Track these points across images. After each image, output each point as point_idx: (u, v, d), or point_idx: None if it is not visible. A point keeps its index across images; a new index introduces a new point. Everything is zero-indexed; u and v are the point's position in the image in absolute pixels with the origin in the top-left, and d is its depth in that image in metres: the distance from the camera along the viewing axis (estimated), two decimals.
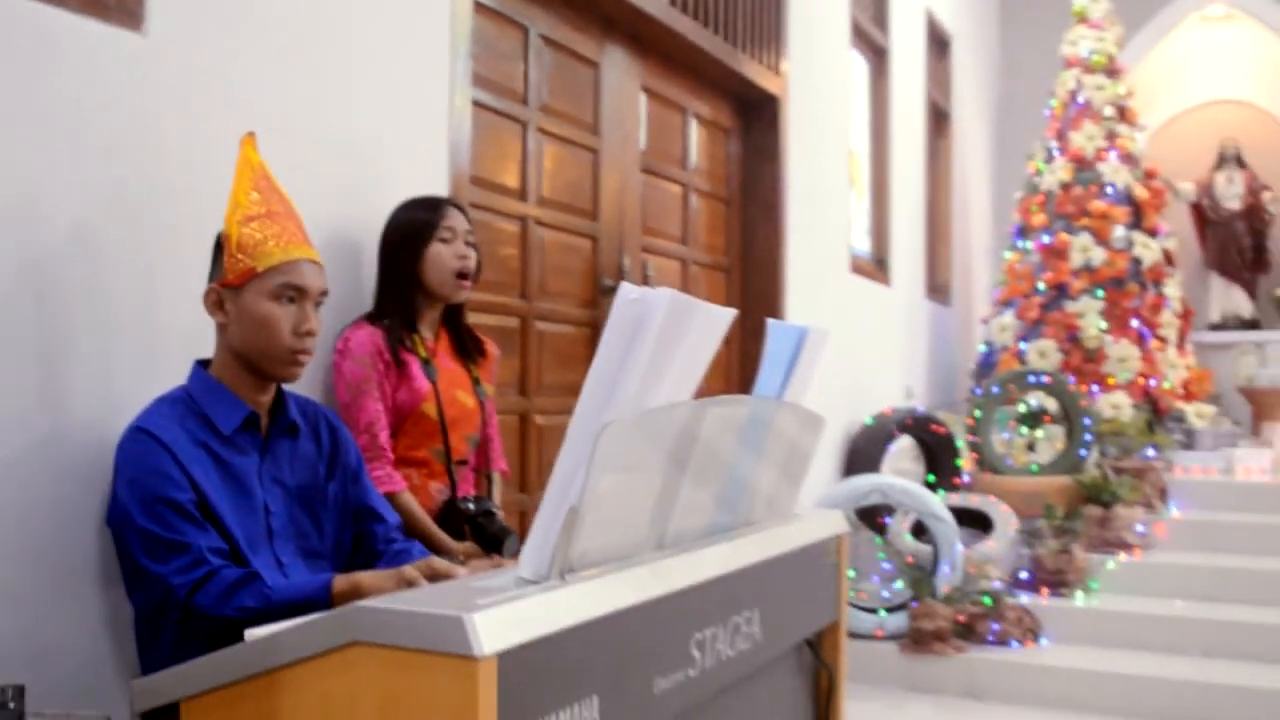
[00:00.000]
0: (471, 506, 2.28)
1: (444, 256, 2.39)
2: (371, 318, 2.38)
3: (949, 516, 4.67)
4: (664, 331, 1.29)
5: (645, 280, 4.04)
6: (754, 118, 4.88)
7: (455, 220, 2.43)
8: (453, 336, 2.51)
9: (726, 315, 1.41)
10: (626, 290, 1.30)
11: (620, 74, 3.99)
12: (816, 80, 5.32)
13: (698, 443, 1.48)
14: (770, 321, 1.76)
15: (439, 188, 2.81)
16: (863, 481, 4.83)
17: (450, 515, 2.30)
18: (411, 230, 2.40)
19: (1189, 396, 6.49)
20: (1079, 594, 4.82)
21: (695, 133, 4.54)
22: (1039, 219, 6.79)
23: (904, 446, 5.83)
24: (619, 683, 1.30)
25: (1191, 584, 4.89)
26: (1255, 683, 4.16)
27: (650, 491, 1.43)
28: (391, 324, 2.36)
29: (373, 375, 2.28)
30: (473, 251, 2.44)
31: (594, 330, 3.74)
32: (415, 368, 2.36)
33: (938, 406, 6.73)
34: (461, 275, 2.42)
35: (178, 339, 2.03)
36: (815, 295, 5.19)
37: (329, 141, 2.48)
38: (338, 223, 2.45)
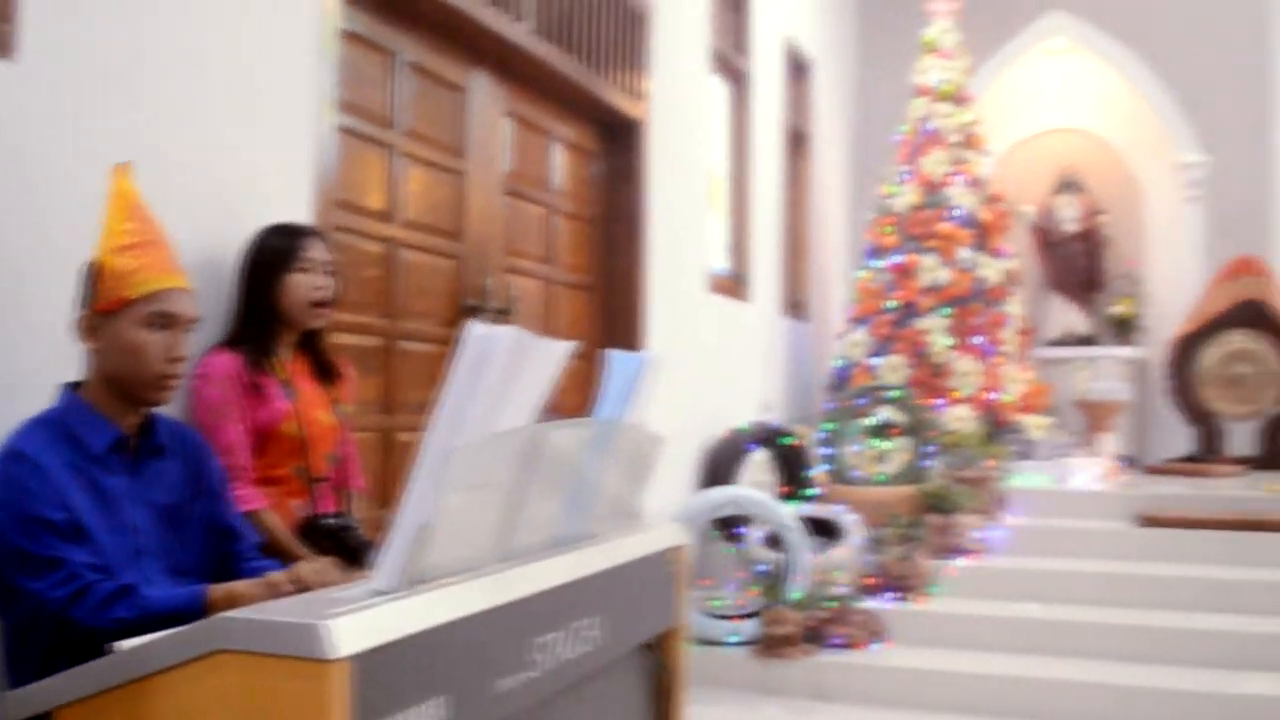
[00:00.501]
0: (331, 522, 2.39)
1: (301, 286, 2.48)
2: (230, 342, 2.47)
3: (799, 526, 4.90)
4: (507, 364, 1.44)
5: (508, 300, 4.17)
6: (616, 141, 5.06)
7: (314, 250, 2.52)
8: (311, 359, 2.61)
9: (564, 349, 1.56)
10: (474, 327, 1.44)
11: (485, 99, 4.11)
12: (678, 104, 5.52)
13: (542, 463, 1.62)
14: (609, 352, 1.92)
15: (305, 211, 2.90)
16: (719, 493, 5.04)
17: (311, 531, 2.40)
18: (270, 258, 2.49)
19: (1028, 409, 6.87)
20: (922, 597, 5.10)
21: (559, 155, 4.69)
22: (890, 239, 7.13)
23: (760, 458, 6.06)
24: (464, 683, 1.43)
25: (1027, 586, 5.21)
26: (1087, 677, 4.48)
27: (496, 508, 1.56)
28: (249, 349, 2.45)
29: (232, 399, 2.37)
30: (330, 281, 2.54)
31: (457, 350, 3.84)
32: (273, 389, 2.45)
33: (795, 420, 7.00)
34: (318, 304, 2.52)
35: (39, 365, 2.09)
36: (675, 312, 5.38)
37: (197, 167, 2.55)
38: (203, 246, 2.52)
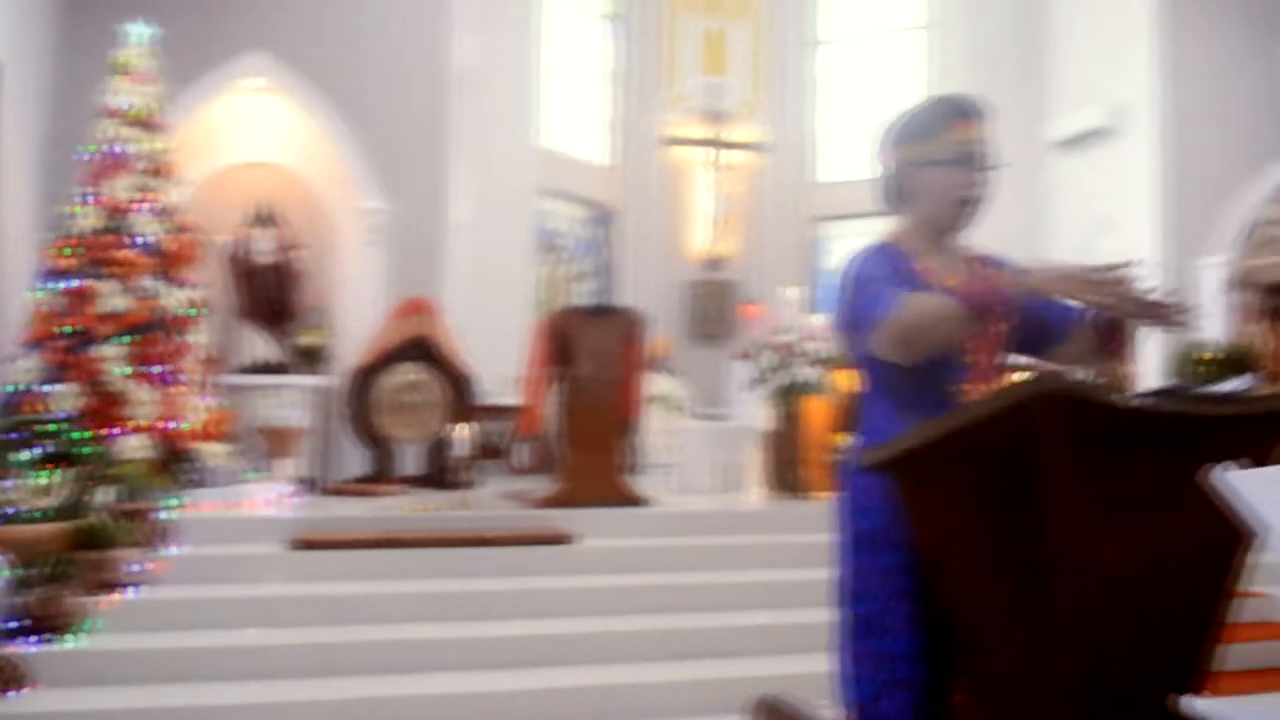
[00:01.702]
0: None
1: None
2: None
3: None
4: None
5: None
6: None
7: None
8: None
9: None
10: None
11: None
12: None
13: None
14: None
15: None
16: None
17: None
18: None
19: (208, 437, 7.03)
20: (72, 636, 5.00)
21: None
22: (70, 262, 6.89)
23: None
24: None
25: (189, 615, 5.32)
26: (245, 700, 4.71)
27: None
28: None
29: None
30: None
31: None
32: None
33: None
34: None
35: None
36: None
37: None
38: None
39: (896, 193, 2.57)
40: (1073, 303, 2.33)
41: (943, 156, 2.43)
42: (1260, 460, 1.34)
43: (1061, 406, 1.75)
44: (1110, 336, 2.36)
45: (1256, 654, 5.28)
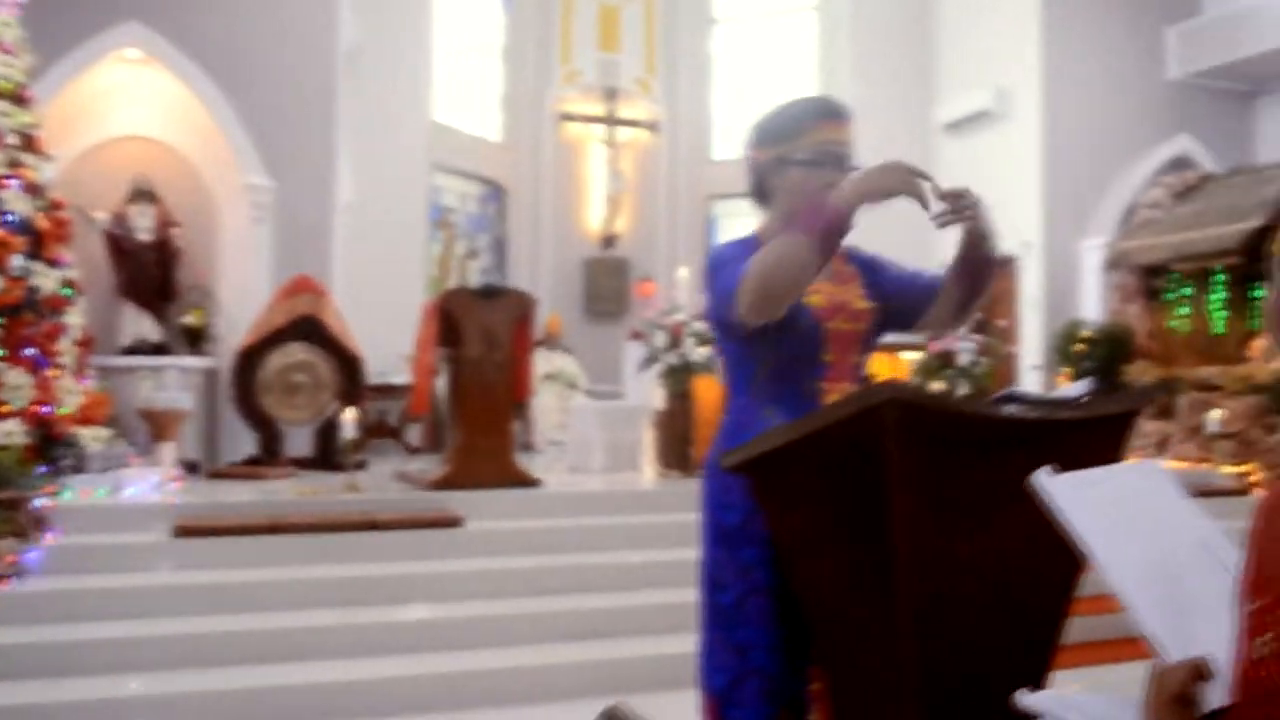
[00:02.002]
0: None
1: None
2: None
3: None
4: None
5: None
6: None
7: None
8: None
9: None
10: None
11: None
12: None
13: None
14: None
15: None
16: None
17: None
18: None
19: (86, 421, 6.82)
20: None
21: None
22: None
23: None
24: None
25: (65, 607, 5.17)
26: (119, 694, 4.63)
27: None
28: None
29: None
30: None
31: None
32: None
33: None
34: None
35: None
36: None
37: None
38: None
39: (761, 190, 2.60)
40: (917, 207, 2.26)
41: (805, 157, 2.46)
42: (1101, 463, 1.39)
43: (909, 412, 1.80)
44: (975, 278, 2.39)
45: (1100, 626, 5.46)
